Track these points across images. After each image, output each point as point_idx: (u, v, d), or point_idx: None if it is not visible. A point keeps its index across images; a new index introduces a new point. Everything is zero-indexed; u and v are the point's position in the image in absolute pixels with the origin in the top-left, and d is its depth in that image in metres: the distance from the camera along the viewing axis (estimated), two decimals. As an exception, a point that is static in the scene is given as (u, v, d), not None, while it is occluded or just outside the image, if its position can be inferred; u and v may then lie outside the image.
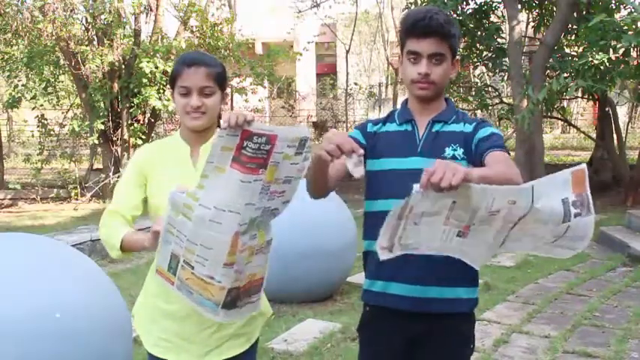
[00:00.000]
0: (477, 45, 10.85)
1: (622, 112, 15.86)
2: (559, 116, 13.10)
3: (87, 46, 10.92)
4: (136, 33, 11.51)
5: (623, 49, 7.76)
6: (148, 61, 10.52)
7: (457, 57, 1.98)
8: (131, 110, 11.14)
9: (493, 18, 10.97)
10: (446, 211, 1.52)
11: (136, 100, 10.96)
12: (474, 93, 12.52)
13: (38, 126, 12.33)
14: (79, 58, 10.88)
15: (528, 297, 5.22)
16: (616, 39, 7.70)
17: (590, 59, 7.59)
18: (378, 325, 2.02)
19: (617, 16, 9.00)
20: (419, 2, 10.38)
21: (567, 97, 10.80)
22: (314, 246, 4.76)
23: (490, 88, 12.85)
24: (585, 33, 8.16)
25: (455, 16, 9.96)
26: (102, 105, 11.12)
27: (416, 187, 1.47)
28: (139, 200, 2.02)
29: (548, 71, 9.79)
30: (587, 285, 5.60)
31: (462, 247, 1.61)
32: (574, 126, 14.18)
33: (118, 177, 10.35)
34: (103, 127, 11.01)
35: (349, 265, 5.20)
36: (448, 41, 1.88)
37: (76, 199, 11.88)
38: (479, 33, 10.51)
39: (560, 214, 1.51)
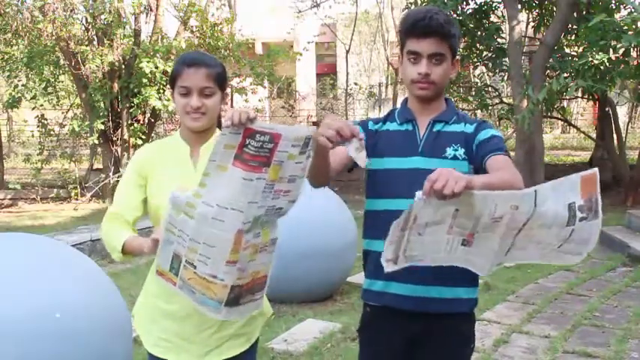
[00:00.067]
0: (477, 45, 10.85)
1: (622, 112, 15.85)
2: (559, 116, 13.10)
3: (87, 46, 10.92)
4: (136, 33, 11.50)
5: (623, 49, 7.76)
6: (148, 61, 10.52)
7: (457, 57, 1.98)
8: (131, 110, 11.14)
9: (493, 18, 10.96)
10: (449, 220, 1.52)
11: (136, 100, 10.96)
12: (474, 93, 12.52)
13: (38, 126, 12.33)
14: (79, 58, 10.88)
15: (528, 297, 5.22)
16: (616, 39, 7.69)
17: (590, 59, 7.59)
18: (378, 325, 2.02)
19: (617, 16, 8.99)
20: (419, 2, 10.37)
21: (567, 97, 10.80)
22: (314, 246, 4.76)
23: (490, 88, 12.85)
24: (585, 33, 8.16)
25: (455, 16, 9.96)
26: (102, 105, 11.12)
27: (418, 194, 1.48)
28: (139, 201, 2.03)
29: (548, 71, 9.78)
30: (587, 285, 5.60)
31: (468, 256, 1.61)
32: (574, 126, 14.18)
33: (118, 177, 10.37)
34: (103, 127, 11.01)
35: (349, 265, 5.20)
36: (448, 41, 1.88)
37: (76, 199, 11.88)
38: (479, 33, 10.51)
39: (564, 218, 1.50)
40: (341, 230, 5.04)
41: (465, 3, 10.37)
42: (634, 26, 7.36)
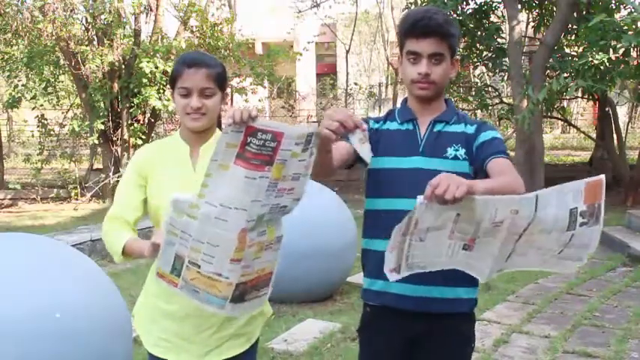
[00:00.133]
0: (477, 45, 10.85)
1: (622, 112, 15.86)
2: (559, 116, 13.10)
3: (87, 46, 10.92)
4: (136, 33, 11.51)
5: (623, 49, 7.76)
6: (148, 61, 10.52)
7: (457, 57, 1.98)
8: (131, 110, 11.14)
9: (493, 18, 10.96)
10: (450, 225, 1.53)
11: (136, 100, 10.96)
12: (474, 93, 12.52)
13: (38, 126, 12.33)
14: (79, 58, 10.88)
15: (528, 297, 5.22)
16: (616, 39, 7.69)
17: (590, 59, 7.59)
18: (378, 325, 2.02)
19: (617, 16, 8.99)
20: (419, 2, 10.38)
21: (567, 97, 10.80)
22: (314, 246, 4.76)
23: (490, 88, 12.85)
24: (585, 33, 8.16)
25: (455, 16, 9.96)
26: (102, 105, 11.12)
27: (420, 198, 1.49)
28: (139, 201, 2.03)
29: (548, 71, 9.78)
30: (587, 285, 5.60)
31: (469, 260, 1.62)
32: (574, 126, 14.18)
33: (118, 177, 10.37)
34: (103, 127, 11.01)
35: (349, 265, 5.20)
36: (447, 41, 1.88)
37: (76, 199, 11.88)
38: (479, 33, 10.51)
39: (564, 223, 1.50)
40: (341, 230, 5.05)
41: (465, 3, 10.37)
42: (634, 26, 7.36)
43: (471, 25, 10.42)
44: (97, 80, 11.06)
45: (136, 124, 11.26)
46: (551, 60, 9.44)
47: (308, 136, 1.60)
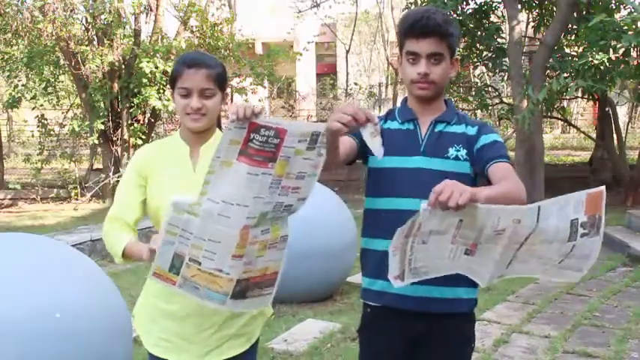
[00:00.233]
0: (477, 45, 10.84)
1: (622, 112, 15.86)
2: (559, 116, 13.10)
3: (87, 46, 10.93)
4: (136, 33, 11.51)
5: (623, 49, 7.75)
6: (148, 61, 10.53)
7: (457, 56, 1.98)
8: (131, 110, 11.15)
9: (493, 18, 10.95)
10: (453, 230, 1.55)
11: (136, 100, 10.96)
12: (474, 93, 12.51)
13: (38, 126, 12.34)
14: (79, 58, 10.89)
15: (528, 297, 5.22)
16: (616, 39, 7.69)
17: (590, 59, 7.58)
18: (378, 325, 2.02)
19: (617, 16, 8.99)
20: (419, 2, 10.37)
21: (567, 97, 10.80)
22: (314, 246, 4.76)
23: (490, 88, 12.85)
24: (585, 33, 8.16)
25: (455, 16, 9.95)
26: (102, 105, 11.13)
27: (423, 205, 1.51)
28: (139, 201, 2.03)
29: (548, 71, 9.78)
30: (587, 285, 5.59)
31: (470, 265, 1.63)
32: (574, 126, 14.18)
33: (118, 177, 10.37)
34: (103, 127, 11.02)
35: (349, 265, 5.20)
36: (447, 41, 1.88)
37: (76, 199, 11.89)
38: (479, 33, 10.50)
39: (565, 234, 1.52)
40: (341, 230, 5.05)
41: (465, 3, 10.37)
42: (634, 26, 7.36)
43: (471, 25, 10.41)
44: (97, 80, 11.07)
45: (136, 124, 11.26)
46: (551, 60, 9.44)
47: (314, 135, 1.60)
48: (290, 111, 21.10)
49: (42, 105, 12.64)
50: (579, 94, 10.44)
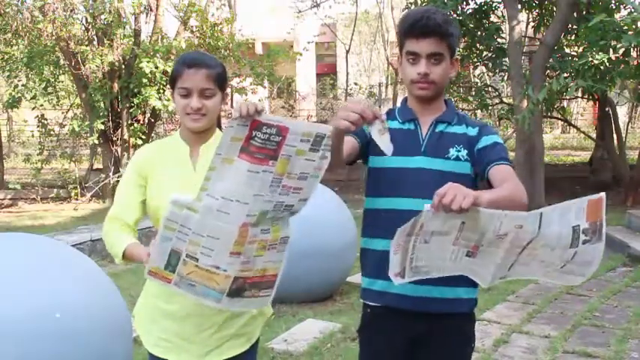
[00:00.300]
0: (477, 45, 10.85)
1: (622, 112, 15.86)
2: (559, 116, 13.10)
3: (87, 46, 10.93)
4: (136, 33, 11.51)
5: (623, 49, 7.76)
6: (148, 61, 10.53)
7: (457, 56, 1.98)
8: (131, 110, 11.15)
9: (493, 18, 10.96)
10: (455, 232, 1.56)
11: (136, 100, 10.96)
12: (474, 93, 12.52)
13: (38, 126, 12.34)
14: (79, 58, 10.89)
15: (528, 297, 5.22)
16: (616, 39, 7.69)
17: (590, 59, 7.58)
18: (378, 325, 2.02)
19: (617, 16, 8.99)
20: (419, 2, 10.37)
21: (567, 97, 10.80)
22: (314, 246, 4.76)
23: (490, 88, 12.85)
24: (585, 33, 8.16)
25: (455, 16, 9.95)
26: (102, 105, 11.13)
27: (427, 206, 1.52)
28: (139, 201, 2.03)
29: (548, 71, 9.78)
30: (587, 285, 5.59)
31: (472, 267, 1.64)
32: (574, 126, 14.18)
33: (118, 177, 10.37)
34: (103, 127, 11.02)
35: (349, 265, 5.20)
36: (446, 40, 1.88)
37: (76, 199, 11.89)
38: (479, 33, 10.51)
39: (567, 240, 1.52)
40: (341, 230, 5.05)
41: (465, 3, 10.37)
42: (634, 26, 7.36)
43: (471, 25, 10.41)
44: (97, 80, 11.07)
45: (136, 124, 11.26)
46: (551, 60, 9.44)
47: (317, 136, 1.59)
48: (290, 111, 21.09)
49: (42, 105, 12.65)
50: (579, 94, 10.44)
